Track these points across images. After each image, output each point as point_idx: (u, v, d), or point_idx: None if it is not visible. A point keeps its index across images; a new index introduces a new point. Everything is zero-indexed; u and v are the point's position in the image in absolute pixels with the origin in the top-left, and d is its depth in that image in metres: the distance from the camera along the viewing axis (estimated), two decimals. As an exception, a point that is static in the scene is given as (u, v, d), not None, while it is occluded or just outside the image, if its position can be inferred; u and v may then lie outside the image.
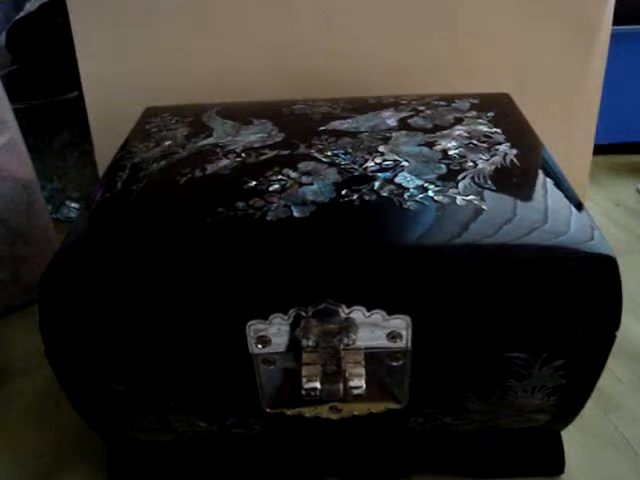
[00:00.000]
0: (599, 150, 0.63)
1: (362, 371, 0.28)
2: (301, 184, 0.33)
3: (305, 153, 0.36)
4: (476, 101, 0.44)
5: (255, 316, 0.28)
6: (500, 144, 0.37)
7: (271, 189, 0.32)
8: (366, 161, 0.35)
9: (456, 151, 0.36)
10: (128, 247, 0.30)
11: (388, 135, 0.38)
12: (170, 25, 0.52)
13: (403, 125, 0.40)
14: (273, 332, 0.28)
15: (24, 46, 0.70)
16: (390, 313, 0.28)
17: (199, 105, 0.46)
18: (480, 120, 0.41)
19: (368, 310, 0.28)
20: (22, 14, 0.65)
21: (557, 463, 0.37)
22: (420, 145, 0.37)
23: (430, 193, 0.31)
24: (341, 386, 0.28)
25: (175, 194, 0.34)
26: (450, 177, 0.33)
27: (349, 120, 0.41)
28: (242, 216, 0.30)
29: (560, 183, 0.34)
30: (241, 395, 0.31)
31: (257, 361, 0.29)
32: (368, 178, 0.33)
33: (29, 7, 0.65)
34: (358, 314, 0.28)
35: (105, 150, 0.47)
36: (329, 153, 0.36)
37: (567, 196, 0.32)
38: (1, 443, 0.41)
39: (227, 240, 0.29)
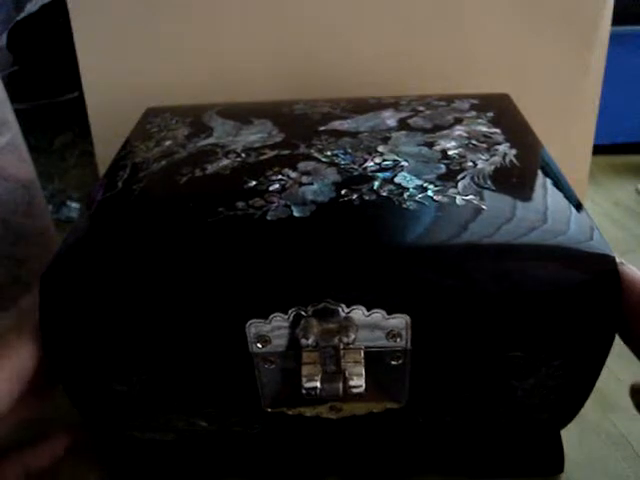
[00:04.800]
0: (599, 150, 0.63)
1: (362, 370, 0.28)
2: (301, 184, 0.33)
3: (305, 153, 0.36)
4: (476, 101, 0.44)
5: (255, 315, 0.28)
6: (499, 144, 0.37)
7: (271, 189, 0.32)
8: (366, 161, 0.35)
9: (456, 151, 0.36)
10: (129, 247, 0.30)
11: (388, 135, 0.38)
12: (171, 25, 0.52)
13: (403, 125, 0.40)
14: (273, 331, 0.28)
15: (25, 47, 0.70)
16: (390, 312, 0.28)
17: (200, 105, 0.46)
18: (480, 120, 0.41)
19: (368, 310, 0.28)
20: (23, 15, 0.65)
21: (556, 462, 0.37)
22: (420, 145, 0.37)
23: (430, 193, 0.32)
24: (341, 385, 0.28)
25: (175, 194, 0.34)
26: (450, 177, 0.33)
27: (349, 120, 0.41)
28: (242, 216, 0.30)
29: (560, 183, 0.34)
30: (241, 394, 0.31)
31: (257, 360, 0.29)
32: (368, 178, 0.33)
33: (30, 8, 0.66)
34: (358, 313, 0.28)
35: (105, 150, 0.47)
36: (329, 153, 0.36)
37: (566, 196, 0.32)
38: (2, 442, 0.41)
39: (227, 240, 0.29)
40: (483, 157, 0.35)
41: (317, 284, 0.28)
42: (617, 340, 0.29)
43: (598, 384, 0.31)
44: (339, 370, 0.28)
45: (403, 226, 0.30)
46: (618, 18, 0.54)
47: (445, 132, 0.39)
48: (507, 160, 0.35)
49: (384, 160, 0.35)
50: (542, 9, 0.52)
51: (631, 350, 0.28)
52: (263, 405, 0.31)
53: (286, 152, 0.37)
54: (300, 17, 0.52)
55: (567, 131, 0.56)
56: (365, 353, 0.29)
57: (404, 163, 0.35)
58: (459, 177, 0.33)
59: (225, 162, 0.36)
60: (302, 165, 0.35)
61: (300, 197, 0.31)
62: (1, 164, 0.49)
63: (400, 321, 0.28)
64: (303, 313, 0.28)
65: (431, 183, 0.32)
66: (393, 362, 0.29)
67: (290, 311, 0.28)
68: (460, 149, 0.36)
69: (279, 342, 0.29)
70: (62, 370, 0.30)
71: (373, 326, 0.28)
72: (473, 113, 0.42)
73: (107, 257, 0.29)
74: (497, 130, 0.39)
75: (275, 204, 0.31)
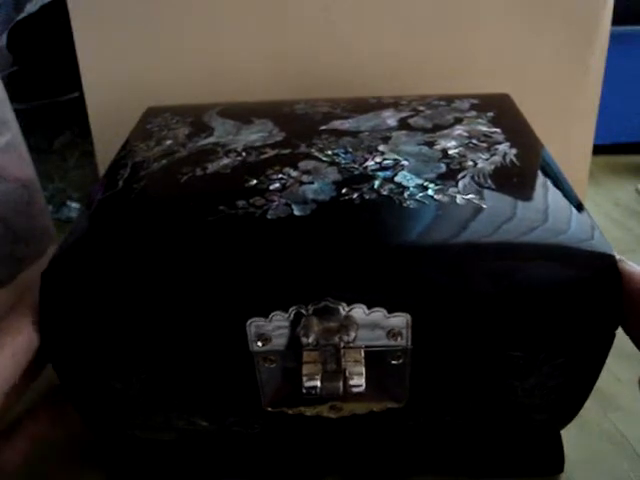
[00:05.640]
0: (599, 150, 0.64)
1: (362, 369, 0.28)
2: (302, 183, 0.33)
3: (306, 152, 0.36)
4: (476, 101, 0.44)
5: (255, 314, 0.28)
6: (500, 144, 0.37)
7: (272, 188, 0.32)
8: (366, 160, 0.35)
9: (456, 150, 0.36)
10: (129, 245, 0.30)
11: (388, 135, 0.38)
12: (171, 25, 0.52)
13: (403, 125, 0.40)
14: (273, 330, 0.28)
15: (25, 47, 0.70)
16: (390, 311, 0.28)
17: (200, 105, 0.46)
18: (480, 120, 0.41)
19: (368, 308, 0.28)
20: (23, 15, 0.65)
21: (557, 462, 0.37)
22: (420, 144, 0.37)
23: (430, 192, 0.32)
24: (341, 384, 0.28)
25: (176, 192, 0.34)
26: (450, 176, 0.33)
27: (349, 120, 0.41)
28: (243, 214, 0.30)
29: (560, 182, 0.34)
30: (242, 394, 0.31)
31: (257, 359, 0.29)
32: (368, 177, 0.33)
33: (30, 8, 0.66)
34: (358, 312, 0.28)
35: (105, 150, 0.47)
36: (329, 152, 0.36)
37: (567, 195, 0.32)
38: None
39: (228, 238, 0.29)
40: (483, 156, 0.35)
41: (318, 283, 0.28)
42: (617, 341, 0.29)
43: (598, 384, 0.31)
44: (339, 369, 0.28)
45: (404, 225, 0.30)
46: (618, 18, 0.54)
47: (445, 132, 0.39)
48: (507, 159, 0.35)
49: (384, 159, 0.35)
50: (542, 9, 0.52)
51: (635, 344, 0.28)
52: (263, 404, 0.31)
53: (287, 151, 0.37)
54: (300, 17, 0.52)
55: (567, 131, 0.56)
56: (365, 352, 0.29)
57: (404, 162, 0.35)
58: (459, 176, 0.33)
59: (226, 161, 0.36)
60: (303, 164, 0.35)
61: (301, 196, 0.31)
62: (1, 164, 0.49)
63: (401, 320, 0.28)
64: (304, 312, 0.28)
65: (431, 182, 0.32)
66: (393, 361, 0.29)
67: (291, 310, 0.28)
68: (460, 148, 0.36)
69: (279, 341, 0.29)
70: (62, 369, 0.30)
71: (374, 325, 0.28)
72: (473, 113, 0.42)
73: (107, 256, 0.29)
74: (497, 130, 0.39)
75: (276, 203, 0.31)
